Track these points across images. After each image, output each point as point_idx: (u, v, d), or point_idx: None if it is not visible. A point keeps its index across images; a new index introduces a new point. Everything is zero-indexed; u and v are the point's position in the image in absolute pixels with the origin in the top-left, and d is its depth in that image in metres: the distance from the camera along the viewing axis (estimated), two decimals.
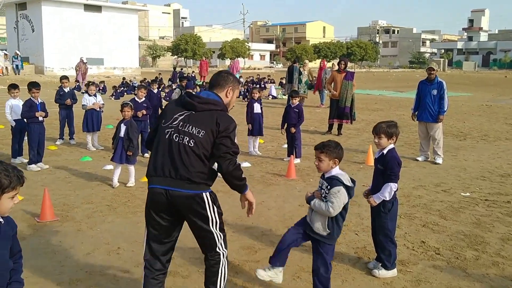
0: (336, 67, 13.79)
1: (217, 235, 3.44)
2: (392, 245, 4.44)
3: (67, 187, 7.27)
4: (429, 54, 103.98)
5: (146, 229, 3.51)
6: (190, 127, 3.32)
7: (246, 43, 66.67)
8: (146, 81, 23.76)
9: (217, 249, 3.46)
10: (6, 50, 36.02)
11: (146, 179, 7.49)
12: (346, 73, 12.60)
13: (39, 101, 8.29)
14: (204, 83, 25.27)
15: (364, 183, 7.78)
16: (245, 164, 8.96)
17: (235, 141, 3.40)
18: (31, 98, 8.21)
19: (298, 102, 9.29)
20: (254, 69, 65.86)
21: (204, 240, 3.46)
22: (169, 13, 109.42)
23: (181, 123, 3.35)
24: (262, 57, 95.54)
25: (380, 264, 4.47)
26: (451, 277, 4.46)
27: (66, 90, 10.69)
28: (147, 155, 9.55)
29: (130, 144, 7.38)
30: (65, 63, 34.03)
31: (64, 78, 10.96)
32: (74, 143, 10.74)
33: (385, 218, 4.42)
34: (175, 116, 3.40)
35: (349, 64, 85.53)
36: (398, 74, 61.00)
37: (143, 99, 9.55)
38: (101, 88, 25.13)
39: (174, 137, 3.33)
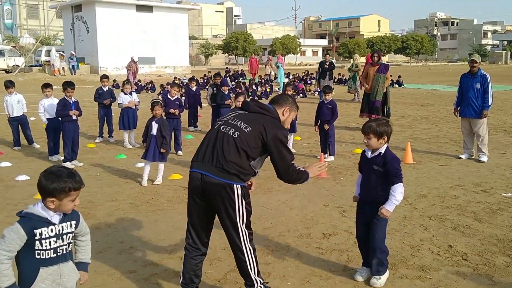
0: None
1: (242, 231, 3.57)
2: (385, 252, 4.14)
3: (96, 185, 7.38)
4: (490, 46, 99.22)
5: (187, 212, 3.76)
6: (239, 122, 3.57)
7: (296, 39, 66.11)
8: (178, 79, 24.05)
9: (242, 246, 3.60)
10: (63, 51, 37.46)
11: (174, 177, 7.58)
12: (379, 66, 12.20)
13: (73, 100, 8.47)
14: (251, 80, 25.25)
15: None
16: None
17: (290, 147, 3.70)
18: (65, 97, 8.40)
19: (331, 98, 9.01)
20: (306, 65, 65.25)
21: (230, 236, 3.60)
22: (222, 12, 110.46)
23: (233, 118, 3.65)
24: (315, 52, 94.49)
25: (372, 271, 4.14)
26: (475, 285, 4.11)
27: (105, 89, 10.90)
28: (180, 153, 9.58)
29: (163, 141, 7.40)
30: (118, 63, 34.97)
31: (104, 77, 11.18)
32: (113, 140, 10.94)
33: (385, 224, 4.08)
34: (230, 113, 3.77)
35: (405, 58, 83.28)
36: (457, 67, 58.55)
37: (176, 96, 9.56)
38: (149, 87, 25.76)
39: (221, 128, 3.60)
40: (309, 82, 26.93)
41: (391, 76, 24.89)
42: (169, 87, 10.16)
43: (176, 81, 23.33)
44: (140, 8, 38.21)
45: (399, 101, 19.66)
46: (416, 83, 30.07)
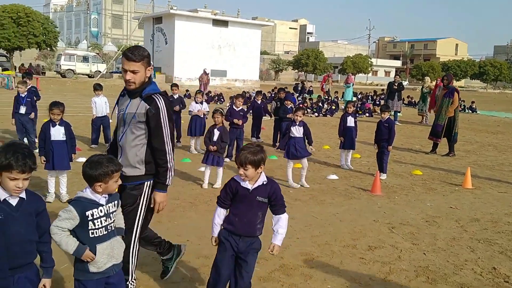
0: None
1: None
2: None
3: None
4: None
5: None
6: None
7: (368, 59, 65.55)
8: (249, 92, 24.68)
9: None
10: None
11: None
12: (447, 90, 12.16)
13: None
14: (319, 97, 25.53)
15: (453, 205, 7.47)
16: (332, 177, 9.02)
17: None
18: None
19: (388, 117, 9.15)
20: (377, 85, 64.50)
21: None
22: (295, 29, 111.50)
23: None
24: (387, 73, 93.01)
25: None
26: None
27: (175, 96, 11.63)
28: None
29: (222, 147, 7.92)
30: (192, 74, 36.40)
31: (174, 85, 11.96)
32: (180, 145, 11.60)
33: (256, 258, 3.68)
34: None
35: (482, 84, 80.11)
36: None
37: (240, 107, 10.07)
38: (217, 98, 26.71)
39: None
40: (378, 102, 26.77)
41: (463, 101, 24.31)
42: (235, 98, 10.67)
43: (243, 94, 24.04)
44: (216, 22, 39.67)
45: (469, 127, 19.19)
46: (490, 110, 29.07)
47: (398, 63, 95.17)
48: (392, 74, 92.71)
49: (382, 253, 5.35)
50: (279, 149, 11.77)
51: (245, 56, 40.67)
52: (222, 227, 3.62)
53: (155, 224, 5.91)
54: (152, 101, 3.68)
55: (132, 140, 3.71)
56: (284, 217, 3.60)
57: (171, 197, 7.12)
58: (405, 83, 78.58)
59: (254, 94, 22.32)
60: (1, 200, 2.67)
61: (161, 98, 3.74)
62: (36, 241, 2.83)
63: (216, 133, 8.03)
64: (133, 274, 3.83)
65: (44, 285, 2.88)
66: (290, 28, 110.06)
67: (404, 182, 9.06)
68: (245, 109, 10.74)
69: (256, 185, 3.52)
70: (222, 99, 26.52)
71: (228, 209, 3.64)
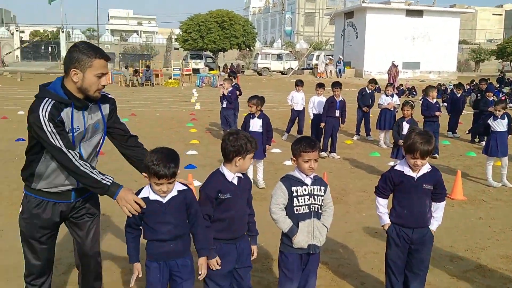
0: None
1: None
2: None
3: (349, 176, 8.04)
4: None
5: None
6: None
7: None
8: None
9: None
10: (332, 55, 40.07)
11: None
12: None
13: (339, 99, 9.35)
14: None
15: None
16: None
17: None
18: (333, 95, 9.36)
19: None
20: None
21: None
22: (500, 15, 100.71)
23: None
24: None
25: None
26: None
27: (368, 91, 11.65)
28: (436, 155, 9.53)
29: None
30: (382, 67, 35.56)
31: (371, 81, 12.07)
32: (371, 139, 11.55)
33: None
34: None
35: None
36: None
37: (435, 100, 9.57)
38: (408, 92, 25.72)
39: None
40: None
41: None
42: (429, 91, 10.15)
43: (436, 86, 22.75)
44: (410, 13, 38.09)
45: None
46: None
47: None
48: None
49: None
50: (468, 133, 10.88)
51: (441, 46, 38.19)
52: (391, 222, 3.58)
53: (343, 214, 6.04)
54: (104, 96, 3.07)
55: (93, 150, 3.07)
56: (443, 205, 3.57)
57: (358, 190, 7.20)
58: None
59: (451, 86, 20.97)
60: (229, 181, 3.12)
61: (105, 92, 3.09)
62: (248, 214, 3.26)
63: (406, 126, 7.78)
64: None
65: (253, 252, 3.34)
66: (493, 14, 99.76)
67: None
68: (438, 102, 10.15)
69: (421, 173, 3.46)
70: (414, 93, 25.44)
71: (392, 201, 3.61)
